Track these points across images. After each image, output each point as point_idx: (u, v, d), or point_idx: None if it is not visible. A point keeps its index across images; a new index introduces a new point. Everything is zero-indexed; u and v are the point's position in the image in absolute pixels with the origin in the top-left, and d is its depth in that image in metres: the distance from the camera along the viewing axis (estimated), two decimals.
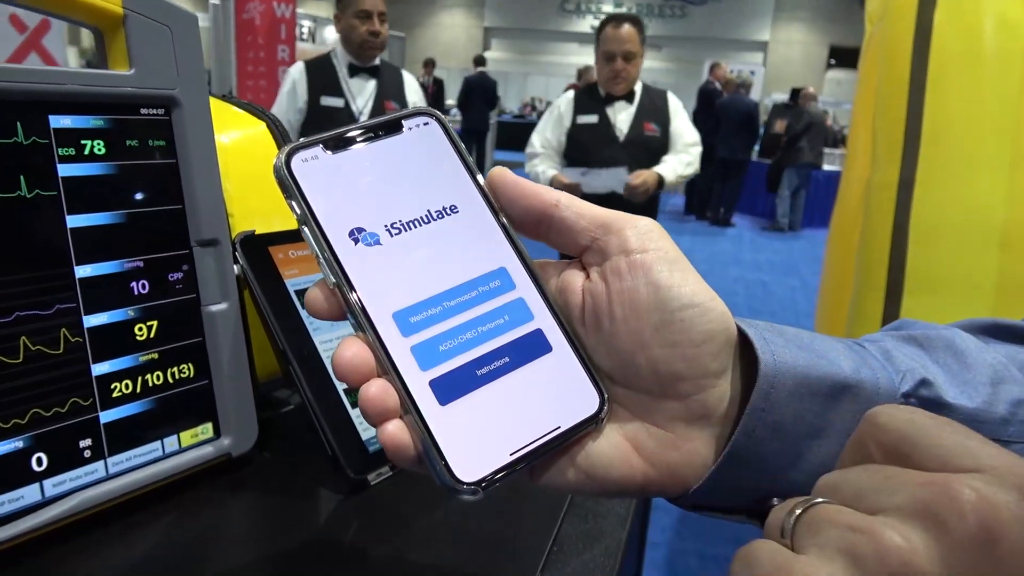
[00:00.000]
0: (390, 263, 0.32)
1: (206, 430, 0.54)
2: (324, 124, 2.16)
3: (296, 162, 0.32)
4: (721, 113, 7.29)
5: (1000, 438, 0.35)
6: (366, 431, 0.55)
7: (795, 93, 8.14)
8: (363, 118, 2.53)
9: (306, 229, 0.32)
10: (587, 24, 19.53)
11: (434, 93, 9.53)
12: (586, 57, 17.51)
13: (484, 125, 8.35)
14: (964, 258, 2.04)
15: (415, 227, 0.33)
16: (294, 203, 0.32)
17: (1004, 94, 1.97)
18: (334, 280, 0.31)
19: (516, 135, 13.09)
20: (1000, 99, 1.97)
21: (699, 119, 7.73)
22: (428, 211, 0.34)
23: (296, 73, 2.82)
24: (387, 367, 0.31)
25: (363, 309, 0.31)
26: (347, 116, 2.75)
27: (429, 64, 9.62)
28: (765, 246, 6.83)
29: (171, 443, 0.52)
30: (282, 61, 5.86)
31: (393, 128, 0.35)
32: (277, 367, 0.61)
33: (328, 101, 2.77)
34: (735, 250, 6.58)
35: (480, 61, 8.59)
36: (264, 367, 0.61)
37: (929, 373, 0.36)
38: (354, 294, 0.31)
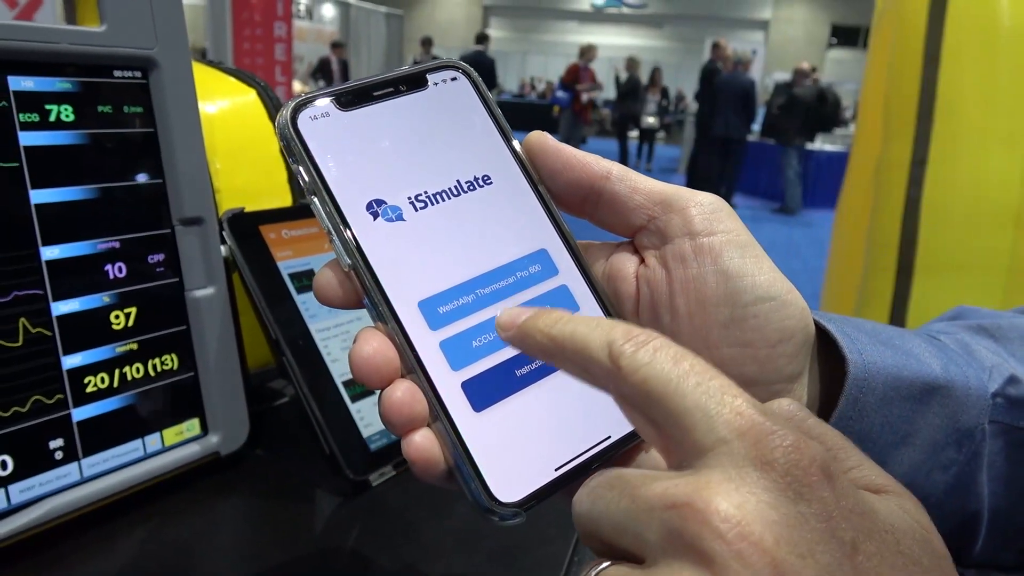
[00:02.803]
0: (415, 242, 0.28)
1: (192, 427, 0.49)
2: None
3: (304, 119, 0.28)
4: (719, 91, 7.21)
5: None
6: (367, 427, 0.51)
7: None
8: None
9: (316, 200, 0.27)
10: (587, 2, 19.38)
11: None
12: (586, 36, 17.40)
13: None
14: (977, 237, 2.00)
15: (443, 200, 0.29)
16: (302, 168, 0.27)
17: (1019, 68, 1.92)
18: (349, 262, 0.27)
19: (515, 115, 13.07)
20: (1016, 74, 1.92)
21: (702, 98, 7.67)
22: (458, 182, 0.30)
23: None
24: (412, 366, 0.26)
25: (384, 297, 0.27)
26: None
27: (426, 43, 9.51)
28: (766, 228, 6.77)
29: (153, 442, 0.47)
30: (279, 38, 5.79)
31: (416, 83, 0.31)
32: (270, 356, 0.56)
33: None
34: None
35: (482, 38, 8.46)
36: (256, 356, 0.56)
37: (1013, 368, 0.33)
38: (373, 279, 0.27)
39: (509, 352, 0.28)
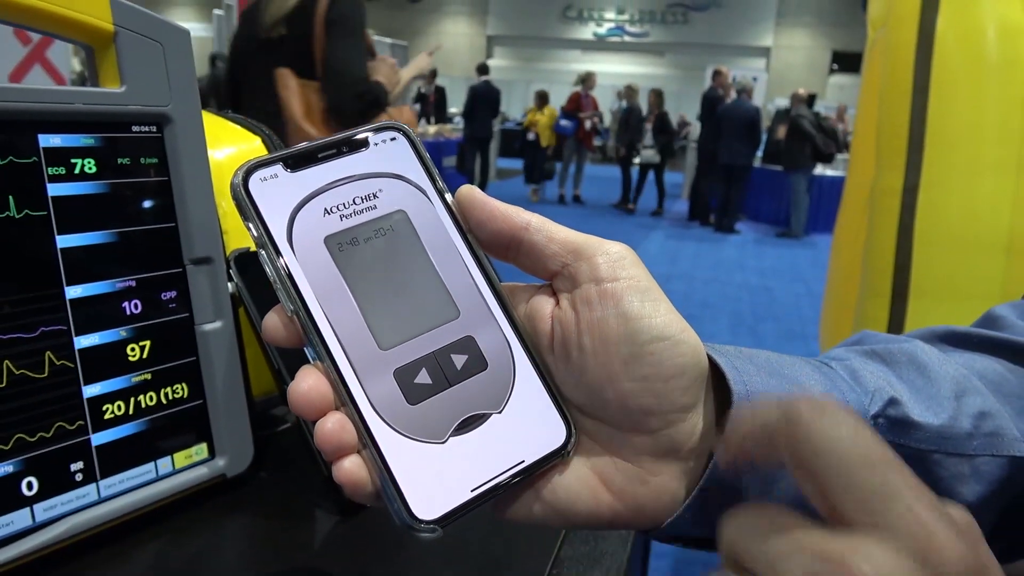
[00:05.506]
0: (351, 290, 0.31)
1: (200, 451, 0.53)
2: None
3: (254, 181, 0.31)
4: (722, 118, 7.27)
5: (965, 452, 0.35)
6: None
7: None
8: None
9: (264, 253, 0.30)
10: (589, 31, 19.59)
11: (436, 102, 9.55)
12: (588, 64, 17.55)
13: (488, 133, 8.35)
14: (969, 263, 2.03)
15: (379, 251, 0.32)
16: (251, 225, 0.30)
17: (1008, 99, 1.96)
18: (292, 307, 0.30)
19: (519, 143, 13.15)
20: (1004, 104, 1.96)
21: (704, 126, 7.73)
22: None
23: None
24: (345, 400, 0.29)
25: (321, 339, 0.30)
26: None
27: (431, 73, 9.64)
28: (770, 252, 6.80)
29: (165, 464, 0.51)
30: None
31: (358, 144, 0.33)
32: (273, 385, 0.60)
33: None
34: (740, 256, 6.56)
35: (483, 69, 8.59)
36: (260, 384, 0.60)
37: (896, 391, 0.36)
38: (312, 323, 0.30)
39: (432, 387, 0.31)
